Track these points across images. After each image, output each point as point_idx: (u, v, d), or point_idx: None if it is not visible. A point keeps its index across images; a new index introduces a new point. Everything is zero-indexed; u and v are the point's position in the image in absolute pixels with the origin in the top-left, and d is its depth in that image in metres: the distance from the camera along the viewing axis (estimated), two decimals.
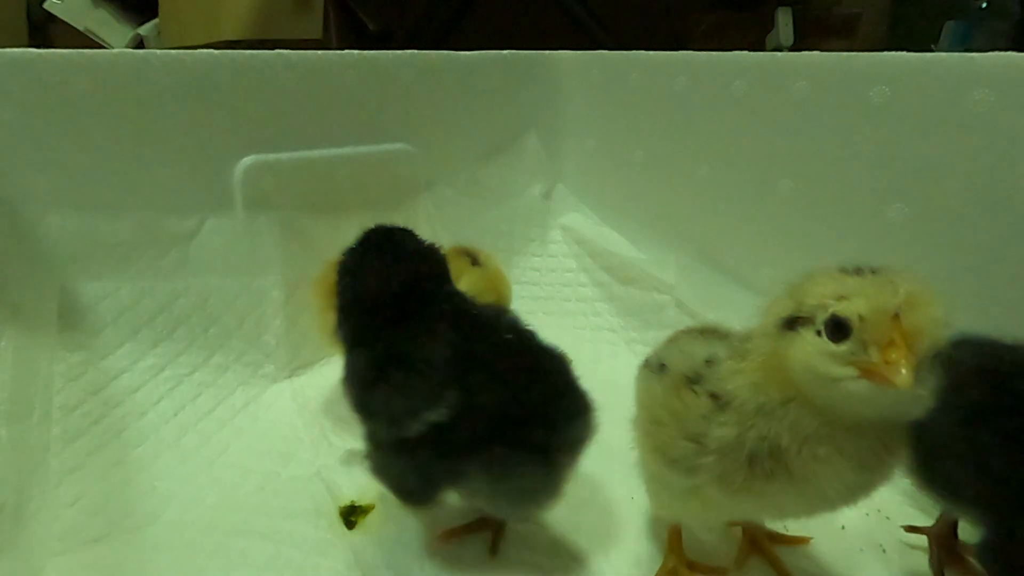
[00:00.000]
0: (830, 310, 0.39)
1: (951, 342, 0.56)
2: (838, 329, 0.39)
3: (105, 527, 0.64)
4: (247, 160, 0.87)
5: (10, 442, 0.62)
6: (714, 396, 0.47)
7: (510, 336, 0.55)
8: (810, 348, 0.40)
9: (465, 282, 0.81)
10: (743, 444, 0.45)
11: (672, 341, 0.59)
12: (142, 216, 0.82)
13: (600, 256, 1.11)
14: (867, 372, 0.38)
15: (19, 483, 0.61)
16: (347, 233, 0.97)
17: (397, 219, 1.01)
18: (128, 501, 0.67)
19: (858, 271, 0.41)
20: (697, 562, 0.60)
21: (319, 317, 0.82)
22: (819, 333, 0.40)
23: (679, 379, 0.50)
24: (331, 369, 0.88)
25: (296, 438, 0.80)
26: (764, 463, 0.44)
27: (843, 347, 0.39)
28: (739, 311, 0.88)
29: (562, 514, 0.68)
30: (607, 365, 0.98)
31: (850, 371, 0.39)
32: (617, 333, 1.05)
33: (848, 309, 0.39)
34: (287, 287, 0.91)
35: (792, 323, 0.42)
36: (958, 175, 0.64)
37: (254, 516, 0.67)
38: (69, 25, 1.76)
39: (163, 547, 0.63)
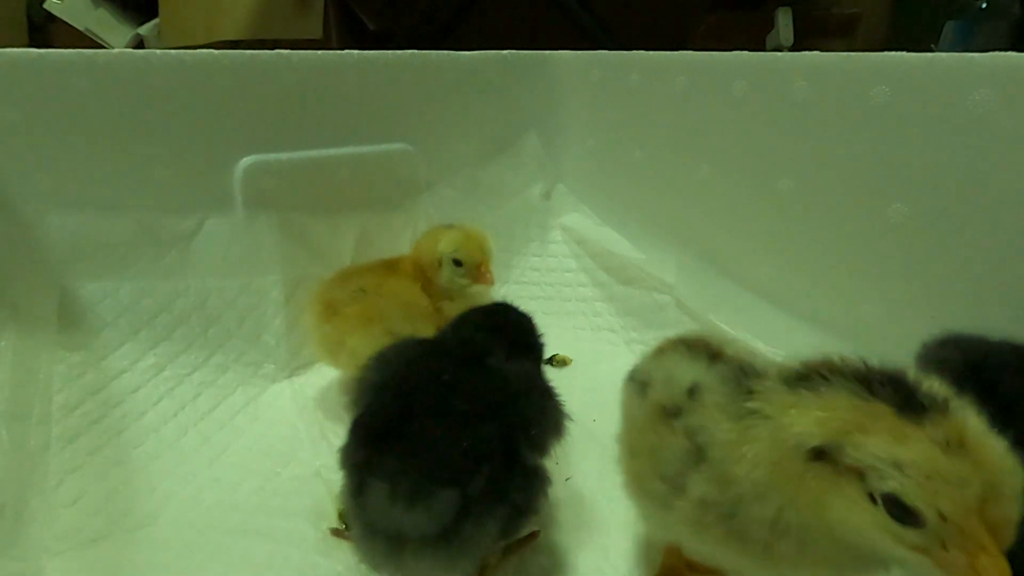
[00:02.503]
0: (888, 483, 0.33)
1: (938, 341, 0.57)
2: (905, 514, 0.33)
3: (105, 527, 0.64)
4: (247, 160, 0.87)
5: (10, 442, 0.62)
6: (692, 435, 0.43)
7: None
8: (866, 518, 0.34)
9: (445, 240, 0.81)
10: (724, 505, 0.41)
11: (659, 354, 0.53)
12: (142, 216, 0.82)
13: (600, 256, 1.10)
14: (944, 566, 0.33)
15: (19, 483, 0.61)
16: (347, 233, 0.98)
17: (397, 219, 1.02)
18: (128, 501, 0.67)
19: (913, 409, 0.34)
20: (696, 562, 0.60)
21: (314, 332, 0.82)
22: (873, 499, 0.34)
23: (657, 409, 0.46)
24: (331, 369, 0.88)
25: (296, 438, 0.80)
26: (742, 528, 0.40)
27: (912, 533, 0.33)
28: (739, 311, 0.88)
29: (562, 515, 0.68)
30: (607, 365, 0.98)
31: (919, 558, 0.33)
32: (617, 333, 1.05)
33: (919, 498, 0.32)
34: (287, 287, 0.91)
35: (821, 455, 0.36)
36: (958, 175, 0.64)
37: (254, 516, 0.67)
38: (69, 25, 1.76)
39: (163, 547, 0.63)
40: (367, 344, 0.77)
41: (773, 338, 0.83)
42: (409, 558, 0.46)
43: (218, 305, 0.87)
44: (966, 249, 0.65)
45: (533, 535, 0.63)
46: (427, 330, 0.80)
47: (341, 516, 0.67)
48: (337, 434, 0.81)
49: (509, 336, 0.60)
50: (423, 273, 0.83)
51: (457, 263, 0.81)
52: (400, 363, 0.55)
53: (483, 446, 0.47)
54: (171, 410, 0.79)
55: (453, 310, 0.82)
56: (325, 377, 0.91)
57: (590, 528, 0.66)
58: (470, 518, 0.45)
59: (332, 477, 0.73)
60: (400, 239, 1.02)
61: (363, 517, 0.47)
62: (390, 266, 0.86)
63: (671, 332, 0.95)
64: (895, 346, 0.60)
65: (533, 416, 0.52)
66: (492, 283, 0.82)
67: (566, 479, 0.73)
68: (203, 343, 0.86)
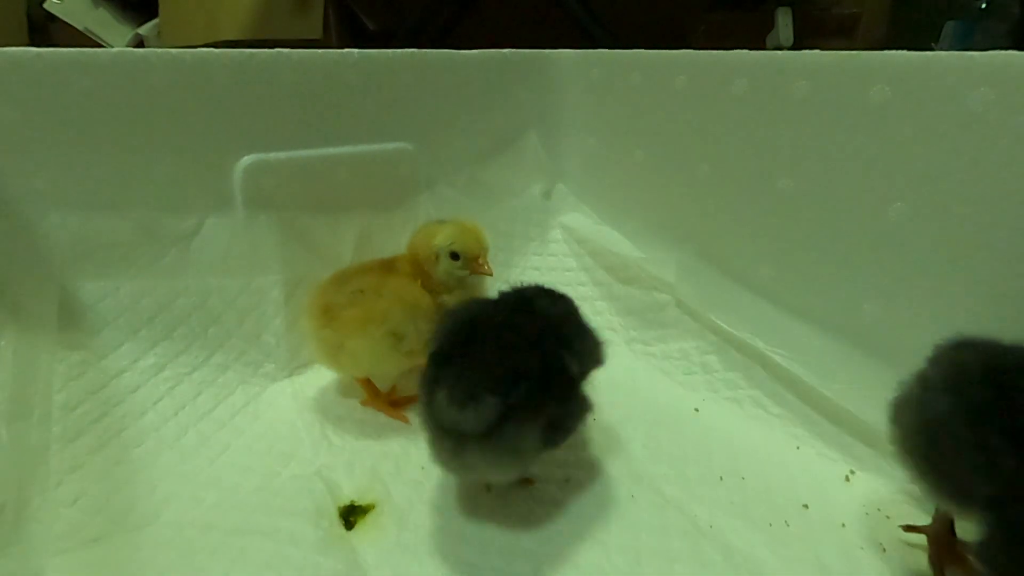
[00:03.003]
0: None
1: (952, 344, 0.56)
2: None
3: (105, 527, 0.64)
4: (247, 160, 0.87)
5: (10, 442, 0.62)
6: None
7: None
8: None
9: (441, 234, 0.81)
10: None
11: None
12: (142, 216, 0.82)
13: (600, 256, 1.11)
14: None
15: (19, 483, 0.61)
16: (347, 233, 0.98)
17: (397, 219, 1.02)
18: (128, 501, 0.67)
19: None
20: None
21: (313, 337, 0.81)
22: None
23: None
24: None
25: (296, 438, 0.80)
26: None
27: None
28: (739, 311, 0.88)
29: (561, 511, 0.68)
30: (606, 365, 0.98)
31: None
32: (617, 333, 1.05)
33: None
34: (287, 287, 0.91)
35: None
36: (958, 175, 0.64)
37: (254, 515, 0.67)
38: (69, 25, 1.76)
39: (163, 547, 0.63)
40: (368, 347, 0.77)
41: (773, 338, 0.83)
42: (468, 454, 0.58)
43: (218, 305, 0.87)
44: (966, 249, 0.65)
45: None
46: (430, 328, 0.80)
47: (341, 515, 0.68)
48: (337, 434, 0.81)
49: (553, 295, 0.72)
50: (421, 269, 0.83)
51: (454, 256, 0.81)
52: (466, 312, 0.68)
53: (524, 366, 0.59)
54: (171, 410, 0.79)
55: (453, 303, 0.82)
56: (325, 377, 0.91)
57: (590, 526, 0.66)
58: (511, 421, 0.57)
59: (332, 477, 0.73)
60: (400, 239, 1.02)
61: (432, 420, 0.59)
62: (387, 266, 0.85)
63: (671, 332, 0.97)
64: (895, 346, 0.60)
65: (573, 337, 0.65)
66: (491, 274, 0.83)
67: (565, 480, 0.73)
68: (203, 343, 0.86)
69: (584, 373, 0.67)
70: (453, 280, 0.82)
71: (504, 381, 0.57)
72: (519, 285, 0.73)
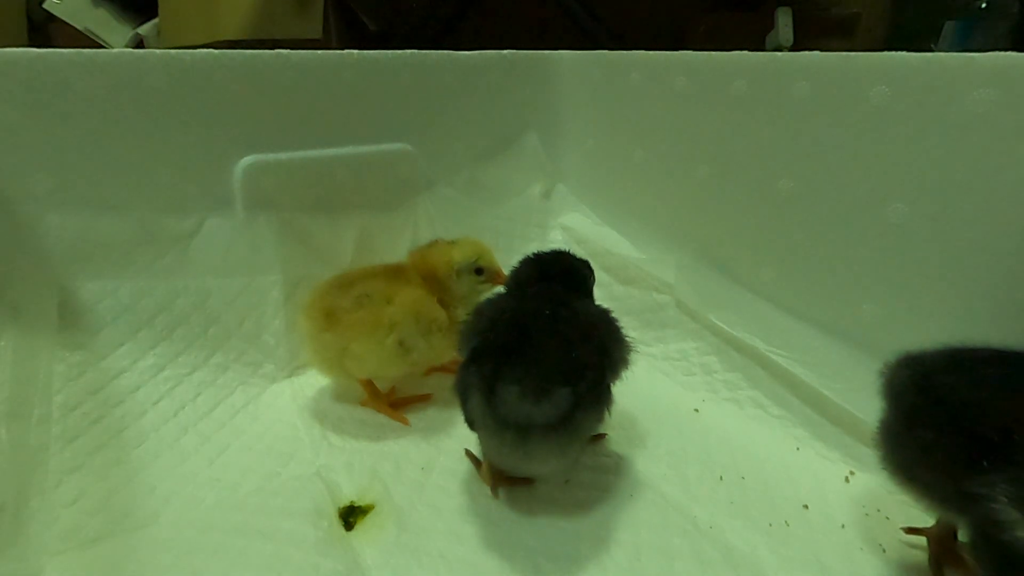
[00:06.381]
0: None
1: (893, 364, 0.58)
2: None
3: (105, 527, 0.64)
4: (247, 160, 0.87)
5: (10, 442, 0.62)
6: None
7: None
8: None
9: (462, 252, 0.84)
10: None
11: None
12: (142, 216, 0.82)
13: (600, 256, 1.10)
14: None
15: (19, 483, 0.61)
16: (347, 233, 0.98)
17: (397, 219, 1.02)
18: (128, 501, 0.67)
19: None
20: None
21: (312, 340, 0.80)
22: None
23: None
24: None
25: (296, 438, 0.80)
26: None
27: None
28: (739, 311, 0.88)
29: (561, 510, 0.68)
30: None
31: None
32: None
33: None
34: (287, 287, 0.91)
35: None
36: (958, 176, 0.64)
37: (254, 516, 0.67)
38: (69, 25, 1.76)
39: (163, 547, 0.63)
40: (373, 351, 0.77)
41: (773, 338, 0.83)
42: (534, 444, 0.59)
43: (218, 305, 0.87)
44: (966, 249, 0.65)
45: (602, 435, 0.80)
46: (442, 342, 0.80)
47: (340, 515, 0.67)
48: (337, 434, 0.81)
49: (567, 282, 0.74)
50: (437, 284, 0.83)
51: (478, 271, 0.84)
52: (501, 308, 0.69)
53: (586, 357, 0.62)
54: (171, 410, 0.79)
55: (464, 315, 0.82)
56: (325, 378, 0.91)
57: (590, 525, 0.66)
58: (580, 409, 0.59)
59: (332, 477, 0.73)
60: (400, 239, 1.02)
61: (495, 415, 0.60)
62: (396, 273, 0.84)
63: (671, 332, 0.97)
64: (895, 346, 0.60)
65: (611, 344, 0.67)
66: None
67: (565, 479, 0.73)
68: (203, 343, 0.86)
69: (616, 376, 0.69)
70: (474, 292, 0.84)
71: (573, 372, 0.60)
72: (532, 274, 0.75)
